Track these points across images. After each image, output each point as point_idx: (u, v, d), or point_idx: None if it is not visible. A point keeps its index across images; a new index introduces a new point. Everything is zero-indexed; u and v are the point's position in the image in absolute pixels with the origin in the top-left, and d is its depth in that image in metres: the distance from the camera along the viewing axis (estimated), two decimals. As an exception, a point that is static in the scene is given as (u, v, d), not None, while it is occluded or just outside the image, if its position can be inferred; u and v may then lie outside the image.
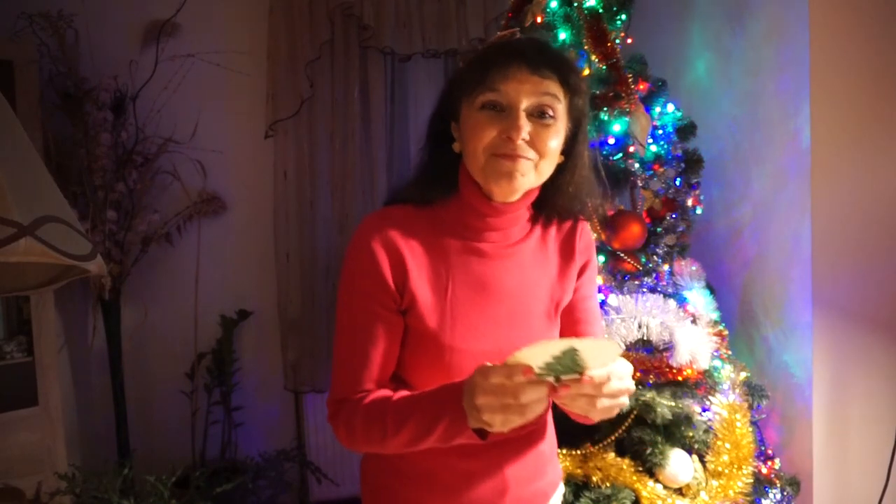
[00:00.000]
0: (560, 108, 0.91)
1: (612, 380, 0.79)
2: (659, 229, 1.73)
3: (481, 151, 0.90)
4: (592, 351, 0.78)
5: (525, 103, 0.88)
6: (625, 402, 0.84)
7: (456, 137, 0.97)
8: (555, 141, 0.91)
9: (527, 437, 1.04)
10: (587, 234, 1.08)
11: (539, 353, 0.77)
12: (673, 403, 1.54)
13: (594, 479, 1.53)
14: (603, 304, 1.59)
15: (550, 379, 0.77)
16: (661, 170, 1.70)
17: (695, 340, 1.56)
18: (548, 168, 0.93)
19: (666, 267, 1.71)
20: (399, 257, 0.94)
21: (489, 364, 0.80)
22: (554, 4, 1.76)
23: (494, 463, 1.00)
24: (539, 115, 0.89)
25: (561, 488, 1.13)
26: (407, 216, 0.97)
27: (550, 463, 1.10)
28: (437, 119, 1.00)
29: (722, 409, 1.58)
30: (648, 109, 1.71)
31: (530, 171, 0.91)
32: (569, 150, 0.97)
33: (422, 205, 0.99)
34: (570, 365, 0.78)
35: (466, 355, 0.94)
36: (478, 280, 0.97)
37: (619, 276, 1.68)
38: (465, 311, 0.94)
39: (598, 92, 1.67)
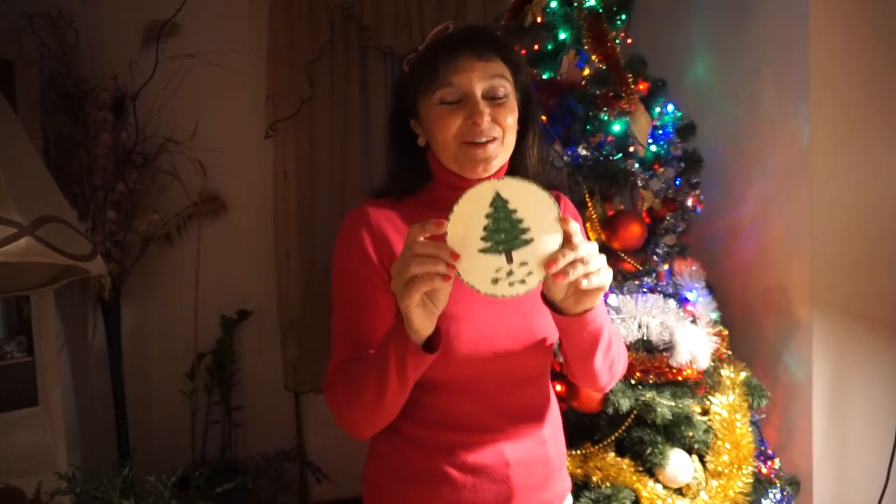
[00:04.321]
0: (508, 86, 0.97)
1: (579, 242, 0.78)
2: (659, 229, 1.73)
3: (451, 141, 0.95)
4: (519, 195, 0.76)
5: (479, 89, 0.94)
6: (608, 275, 0.82)
7: (418, 133, 1.02)
8: (510, 117, 0.97)
9: (535, 442, 1.03)
10: (570, 207, 1.14)
11: (470, 215, 0.76)
12: (673, 403, 1.54)
13: (594, 479, 1.53)
14: (603, 303, 1.59)
15: (500, 255, 0.76)
16: (661, 170, 1.70)
17: (695, 340, 1.56)
18: (511, 140, 0.99)
19: (666, 267, 1.71)
20: (383, 237, 0.98)
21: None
22: (554, 4, 1.76)
23: (500, 468, 0.99)
24: (492, 96, 0.95)
25: (569, 499, 1.12)
26: (389, 204, 1.02)
27: (559, 473, 1.08)
28: (396, 119, 1.05)
29: (722, 409, 1.58)
30: (648, 109, 1.71)
31: (499, 150, 0.96)
32: (522, 121, 1.02)
33: (400, 197, 1.04)
34: (511, 226, 0.76)
35: (464, 321, 0.95)
36: None
37: (619, 276, 1.68)
38: (458, 280, 0.94)
39: (598, 92, 1.67)
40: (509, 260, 0.76)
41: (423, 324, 0.81)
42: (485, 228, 0.76)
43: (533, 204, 0.77)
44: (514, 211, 0.77)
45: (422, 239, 0.77)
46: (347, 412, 0.94)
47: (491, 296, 0.77)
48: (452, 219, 0.76)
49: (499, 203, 0.76)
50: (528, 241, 0.77)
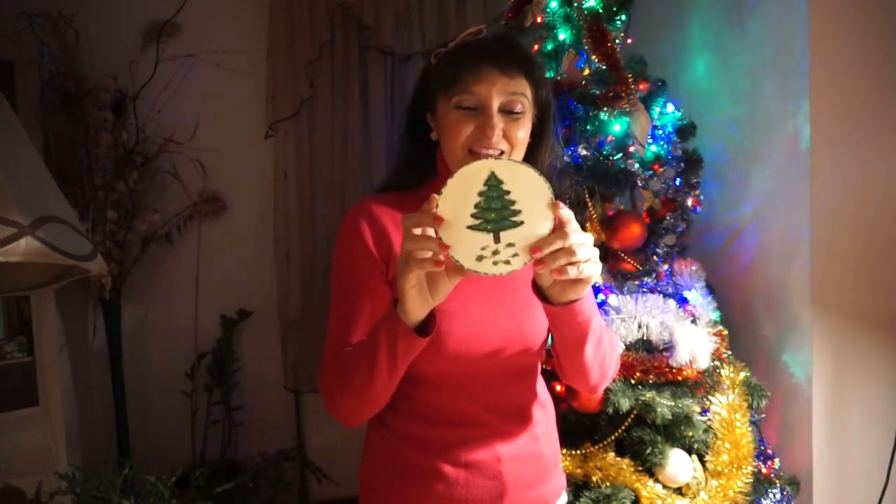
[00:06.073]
0: (527, 102, 0.97)
1: (572, 230, 0.78)
2: (659, 229, 1.73)
3: (459, 147, 0.96)
4: (515, 177, 0.77)
5: (497, 102, 0.94)
6: (596, 268, 0.82)
7: (433, 127, 1.03)
8: (522, 132, 0.97)
9: (528, 439, 1.04)
10: None
11: (464, 191, 0.76)
12: (673, 403, 1.54)
13: (594, 479, 1.54)
14: (603, 304, 1.59)
15: (488, 233, 0.77)
16: (661, 170, 1.70)
17: (695, 340, 1.56)
18: (518, 156, 0.98)
19: (666, 267, 1.71)
20: (383, 231, 0.99)
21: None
22: (554, 4, 1.77)
23: (492, 464, 1.00)
24: (509, 110, 0.95)
25: (564, 497, 1.12)
26: (390, 199, 1.04)
27: (554, 470, 1.09)
28: (414, 109, 1.06)
29: (722, 409, 1.58)
30: (648, 109, 1.71)
31: None
32: (537, 135, 1.02)
33: (403, 191, 1.05)
34: (502, 206, 0.76)
35: (455, 318, 0.96)
36: None
37: (619, 276, 1.68)
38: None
39: (598, 92, 1.67)
40: (497, 240, 0.77)
41: (415, 306, 0.82)
42: (476, 206, 0.77)
43: (527, 187, 0.77)
44: (508, 192, 0.77)
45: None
46: (338, 397, 0.95)
47: (474, 272, 0.78)
48: (445, 192, 0.77)
49: (493, 182, 0.77)
50: (517, 224, 0.77)
